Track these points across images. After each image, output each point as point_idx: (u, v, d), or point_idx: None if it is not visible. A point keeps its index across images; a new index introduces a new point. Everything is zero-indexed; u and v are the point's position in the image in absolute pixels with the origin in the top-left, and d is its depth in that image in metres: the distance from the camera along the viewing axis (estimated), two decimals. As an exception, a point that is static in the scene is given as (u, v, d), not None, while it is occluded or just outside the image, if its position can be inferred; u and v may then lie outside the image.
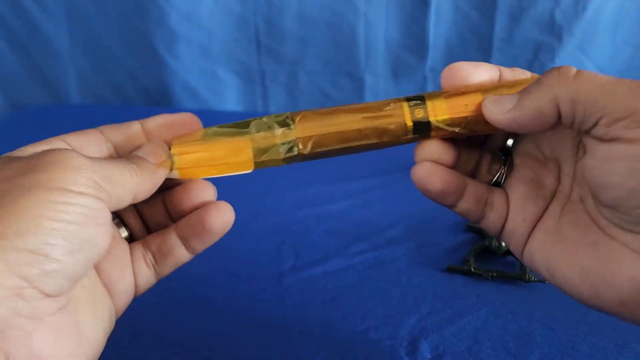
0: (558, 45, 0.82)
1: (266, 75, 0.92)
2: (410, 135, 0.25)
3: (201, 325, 0.36)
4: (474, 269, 0.41)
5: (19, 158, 0.21)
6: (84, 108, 0.92)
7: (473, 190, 0.25)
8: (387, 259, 0.44)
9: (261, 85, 0.93)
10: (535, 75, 0.25)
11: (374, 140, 0.25)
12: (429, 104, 0.25)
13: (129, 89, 0.94)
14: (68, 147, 0.23)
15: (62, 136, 0.24)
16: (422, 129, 0.25)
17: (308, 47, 0.89)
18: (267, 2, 0.86)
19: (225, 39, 0.89)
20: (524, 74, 0.25)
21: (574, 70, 0.21)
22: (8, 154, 0.23)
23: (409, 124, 0.25)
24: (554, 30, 0.81)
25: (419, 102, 0.25)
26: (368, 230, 0.48)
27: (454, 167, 0.26)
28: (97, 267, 0.24)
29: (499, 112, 0.23)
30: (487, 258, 0.43)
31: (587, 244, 0.22)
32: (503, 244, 0.42)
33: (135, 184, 0.23)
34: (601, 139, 0.20)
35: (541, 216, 0.24)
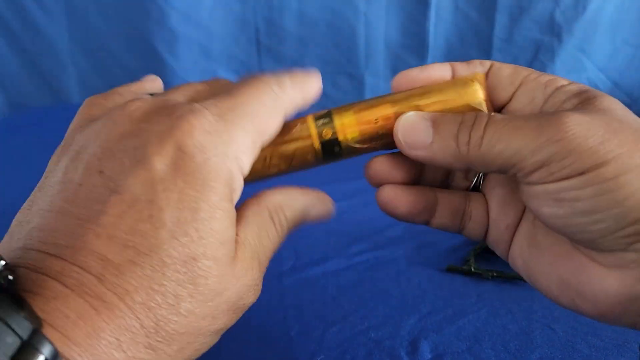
0: (558, 45, 0.82)
1: (266, 75, 0.92)
2: (321, 157, 0.23)
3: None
4: (474, 268, 0.41)
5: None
6: (84, 108, 0.92)
7: (447, 203, 0.24)
8: (387, 259, 0.44)
9: (261, 86, 0.93)
10: (475, 76, 0.23)
11: (283, 168, 0.23)
12: (336, 120, 0.23)
13: (129, 89, 0.94)
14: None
15: None
16: (333, 150, 0.23)
17: (308, 47, 0.89)
18: (267, 2, 0.86)
19: (225, 39, 0.89)
20: (482, 66, 0.24)
21: (482, 123, 0.20)
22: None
23: (317, 146, 0.23)
24: (554, 30, 0.81)
25: (326, 119, 0.23)
26: (368, 230, 0.48)
27: (416, 181, 0.24)
28: None
29: (412, 148, 0.22)
30: (487, 258, 0.43)
31: (561, 253, 0.22)
32: (503, 244, 0.42)
33: None
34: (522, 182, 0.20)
35: (520, 220, 0.24)
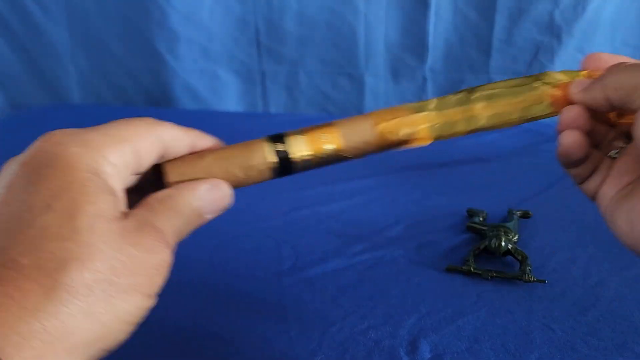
0: (557, 46, 0.82)
1: (266, 76, 0.92)
2: (277, 171, 0.27)
3: (201, 324, 0.36)
4: (474, 269, 0.41)
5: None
6: (84, 108, 0.92)
7: (593, 158, 0.28)
8: (387, 259, 0.44)
9: (261, 86, 0.93)
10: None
11: (242, 179, 0.27)
12: (288, 140, 0.27)
13: (130, 89, 0.95)
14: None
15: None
16: (286, 165, 0.27)
17: (308, 48, 0.89)
18: (267, 3, 0.86)
19: (225, 39, 0.89)
20: None
21: (625, 64, 0.25)
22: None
23: (273, 160, 0.26)
24: (554, 31, 0.81)
25: (280, 139, 0.27)
26: (368, 230, 0.48)
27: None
28: None
29: (573, 91, 0.27)
30: (487, 258, 0.43)
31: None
32: (502, 244, 0.42)
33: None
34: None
35: (630, 182, 0.27)
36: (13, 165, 0.22)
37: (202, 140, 0.27)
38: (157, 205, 0.24)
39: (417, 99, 0.91)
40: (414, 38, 0.86)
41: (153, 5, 0.85)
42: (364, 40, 0.87)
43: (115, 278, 0.20)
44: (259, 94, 0.94)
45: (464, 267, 0.41)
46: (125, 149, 0.23)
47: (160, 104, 0.93)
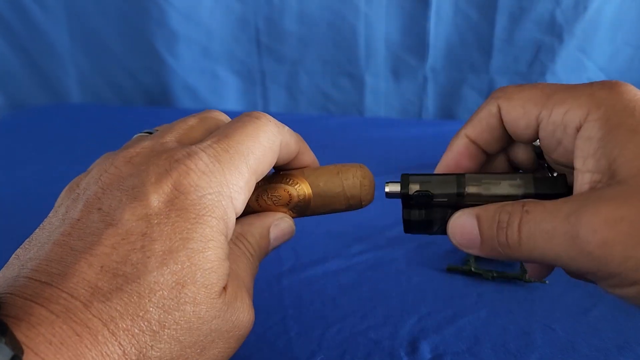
0: (558, 46, 0.82)
1: (266, 75, 0.92)
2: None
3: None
4: (474, 269, 0.41)
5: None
6: (84, 108, 0.92)
7: None
8: (387, 259, 0.44)
9: (261, 85, 0.93)
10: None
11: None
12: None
13: (129, 88, 0.94)
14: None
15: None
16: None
17: (308, 47, 0.89)
18: (267, 2, 0.86)
19: (225, 38, 0.89)
20: (492, 109, 0.26)
21: (516, 224, 0.21)
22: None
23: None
24: (555, 31, 0.81)
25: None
26: (367, 231, 0.48)
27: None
28: None
29: (468, 249, 0.23)
30: (487, 258, 0.43)
31: None
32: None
33: None
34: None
35: None
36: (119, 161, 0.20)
37: (305, 155, 0.27)
38: (239, 244, 0.23)
39: (417, 98, 0.91)
40: (414, 38, 0.86)
41: (153, 4, 0.85)
42: (364, 40, 0.87)
43: (196, 357, 0.19)
44: (259, 93, 0.94)
45: (464, 267, 0.41)
46: (251, 185, 0.22)
47: (160, 104, 0.93)
